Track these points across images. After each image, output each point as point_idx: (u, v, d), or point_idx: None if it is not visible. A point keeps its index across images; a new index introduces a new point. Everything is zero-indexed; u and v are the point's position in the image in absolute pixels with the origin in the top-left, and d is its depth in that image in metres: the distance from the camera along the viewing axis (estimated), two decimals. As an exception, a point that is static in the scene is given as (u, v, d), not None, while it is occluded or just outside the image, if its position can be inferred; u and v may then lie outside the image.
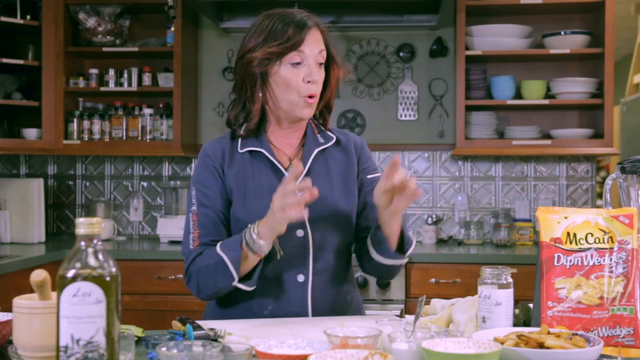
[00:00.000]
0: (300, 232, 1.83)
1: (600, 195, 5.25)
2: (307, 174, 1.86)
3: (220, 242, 1.77)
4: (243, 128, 1.87)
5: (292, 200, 1.61)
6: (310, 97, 1.81)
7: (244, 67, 1.83)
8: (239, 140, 1.88)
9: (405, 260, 1.89)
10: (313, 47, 1.80)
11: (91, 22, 3.98)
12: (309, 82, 1.80)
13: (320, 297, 1.85)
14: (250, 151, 1.87)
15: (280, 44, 1.78)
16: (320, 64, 1.83)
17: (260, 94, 1.84)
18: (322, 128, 1.96)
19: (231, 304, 1.85)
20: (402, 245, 1.84)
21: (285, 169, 1.87)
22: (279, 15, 1.82)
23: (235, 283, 1.74)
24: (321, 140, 1.93)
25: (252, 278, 1.76)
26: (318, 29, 1.84)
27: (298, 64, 1.79)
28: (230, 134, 1.91)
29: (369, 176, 1.95)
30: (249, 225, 1.73)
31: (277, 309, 1.83)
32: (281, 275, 1.82)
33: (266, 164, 1.86)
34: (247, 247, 1.71)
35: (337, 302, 1.89)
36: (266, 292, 1.82)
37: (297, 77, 1.79)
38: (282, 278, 1.82)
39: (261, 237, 1.69)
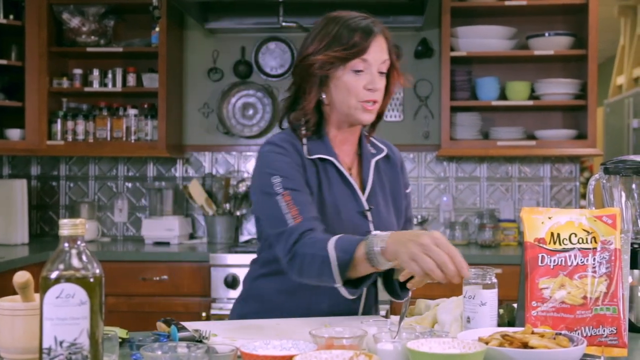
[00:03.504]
0: None
1: (584, 196, 5.29)
2: (370, 186, 1.87)
3: (337, 237, 1.63)
4: (303, 129, 1.84)
5: (440, 259, 1.42)
6: (369, 102, 1.79)
7: (304, 69, 1.81)
8: (305, 143, 1.84)
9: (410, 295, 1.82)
10: (377, 55, 1.78)
11: (75, 22, 3.96)
12: (369, 89, 1.78)
13: (367, 297, 1.87)
14: (319, 158, 1.83)
15: (345, 49, 1.76)
16: (382, 72, 1.81)
17: (317, 96, 1.82)
18: (368, 136, 1.95)
19: (291, 291, 1.82)
20: None
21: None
22: (344, 20, 1.80)
23: (338, 286, 1.64)
24: (372, 150, 1.93)
25: (358, 288, 1.65)
26: (383, 36, 1.81)
27: (360, 71, 1.78)
28: (293, 135, 1.85)
29: (407, 191, 1.98)
30: (376, 234, 1.56)
31: (329, 307, 1.82)
32: None
33: (335, 173, 1.84)
34: (367, 256, 1.55)
35: (372, 302, 1.92)
36: (323, 288, 1.72)
37: (358, 84, 1.77)
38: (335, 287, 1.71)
39: (384, 253, 1.52)
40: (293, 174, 1.77)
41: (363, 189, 1.87)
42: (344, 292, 1.65)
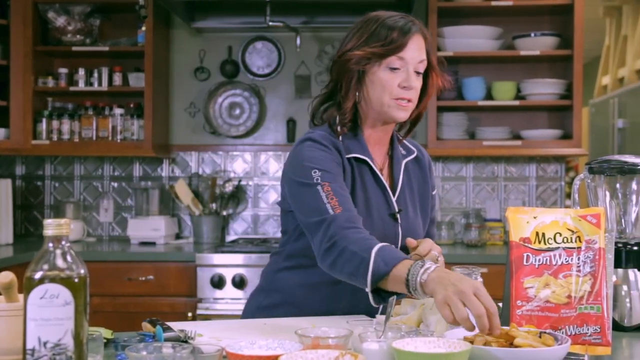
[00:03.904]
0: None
1: (569, 196, 5.31)
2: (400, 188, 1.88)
3: (383, 244, 1.60)
4: (339, 126, 1.84)
5: (477, 311, 1.35)
6: (404, 100, 1.79)
7: (342, 64, 1.81)
8: (341, 140, 1.84)
9: None
10: (414, 54, 1.78)
11: (61, 21, 3.94)
12: (404, 87, 1.78)
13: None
14: (355, 157, 1.84)
15: (383, 45, 1.76)
16: (419, 73, 1.81)
17: (355, 93, 1.82)
18: (399, 138, 1.95)
19: (313, 285, 1.83)
20: None
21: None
22: (384, 18, 1.81)
23: (368, 290, 1.60)
24: (403, 152, 1.93)
25: (384, 298, 1.60)
26: (421, 35, 1.81)
27: (397, 69, 1.78)
28: (330, 131, 1.85)
29: (433, 192, 2.00)
30: (423, 263, 1.51)
31: (349, 306, 1.83)
32: None
33: (369, 173, 1.85)
34: (406, 282, 1.51)
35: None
36: (344, 286, 1.74)
37: (393, 81, 1.77)
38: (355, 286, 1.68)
39: (423, 286, 1.48)
40: (334, 168, 1.76)
41: (393, 191, 1.88)
42: (371, 298, 1.61)
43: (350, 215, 1.67)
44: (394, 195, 1.87)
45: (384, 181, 1.86)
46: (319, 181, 1.71)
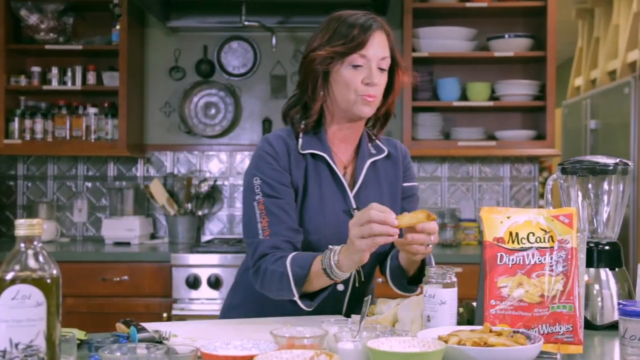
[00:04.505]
0: None
1: (542, 196, 5.36)
2: (360, 185, 1.88)
3: (293, 254, 1.73)
4: (302, 124, 1.86)
5: (369, 230, 1.55)
6: (369, 96, 1.80)
7: (307, 65, 1.83)
8: (300, 138, 1.86)
9: (419, 290, 1.89)
10: (376, 51, 1.79)
11: (33, 19, 3.90)
12: (367, 84, 1.79)
13: (354, 305, 1.88)
14: (311, 153, 1.86)
15: (344, 43, 1.78)
16: (382, 69, 1.82)
17: (321, 93, 1.84)
18: (374, 137, 1.96)
19: (267, 298, 1.83)
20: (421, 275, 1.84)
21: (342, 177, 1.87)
22: (345, 17, 1.82)
23: (296, 299, 1.72)
24: (373, 151, 1.94)
25: (314, 300, 1.74)
26: (384, 32, 1.82)
27: (359, 66, 1.79)
28: (291, 130, 1.88)
29: (405, 184, 1.98)
30: (330, 250, 1.66)
31: (312, 313, 1.82)
32: None
33: (326, 169, 1.86)
34: (325, 272, 1.65)
35: (358, 302, 1.90)
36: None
37: (357, 78, 1.79)
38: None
39: (340, 266, 1.64)
40: (274, 176, 1.81)
41: (353, 188, 1.88)
42: (301, 304, 1.73)
43: (275, 240, 1.76)
44: (351, 192, 1.87)
45: (342, 178, 1.86)
46: (257, 192, 1.80)
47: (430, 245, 1.66)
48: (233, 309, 1.96)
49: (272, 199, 1.79)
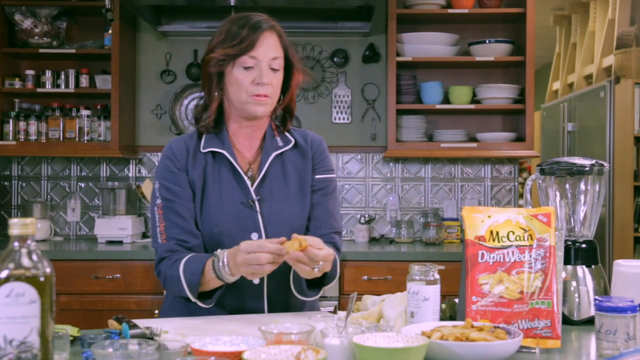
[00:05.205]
0: (254, 236, 1.86)
1: (522, 195, 5.48)
2: (263, 178, 1.89)
3: (186, 258, 1.79)
4: (202, 124, 1.91)
5: (256, 268, 1.64)
6: (260, 96, 1.83)
7: (204, 67, 1.88)
8: (203, 138, 1.91)
9: (319, 295, 1.91)
10: (267, 51, 1.82)
11: (27, 23, 3.94)
12: (258, 84, 1.82)
13: (275, 298, 1.90)
14: (212, 152, 1.90)
15: (235, 45, 1.81)
16: (275, 69, 1.85)
17: (216, 93, 1.88)
18: (281, 130, 1.97)
19: (191, 302, 1.85)
20: (323, 280, 1.86)
21: (245, 173, 1.90)
22: (237, 18, 1.86)
23: (194, 300, 1.80)
24: (280, 143, 1.94)
25: (212, 298, 1.81)
26: (274, 32, 1.86)
27: (250, 67, 1.82)
28: (196, 132, 1.94)
29: (317, 176, 1.96)
30: (219, 255, 1.73)
31: (236, 302, 1.87)
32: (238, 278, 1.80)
33: (227, 166, 1.89)
34: (216, 275, 1.73)
35: (291, 302, 1.92)
36: (224, 294, 1.84)
37: (247, 79, 1.82)
38: (238, 281, 1.78)
39: (232, 274, 1.71)
40: (170, 178, 1.88)
41: (254, 181, 1.90)
42: (200, 304, 1.81)
43: (170, 244, 1.84)
44: (252, 185, 1.88)
45: (242, 173, 1.88)
46: (157, 202, 1.88)
47: (316, 269, 1.67)
48: (166, 312, 1.98)
49: (169, 203, 1.85)
